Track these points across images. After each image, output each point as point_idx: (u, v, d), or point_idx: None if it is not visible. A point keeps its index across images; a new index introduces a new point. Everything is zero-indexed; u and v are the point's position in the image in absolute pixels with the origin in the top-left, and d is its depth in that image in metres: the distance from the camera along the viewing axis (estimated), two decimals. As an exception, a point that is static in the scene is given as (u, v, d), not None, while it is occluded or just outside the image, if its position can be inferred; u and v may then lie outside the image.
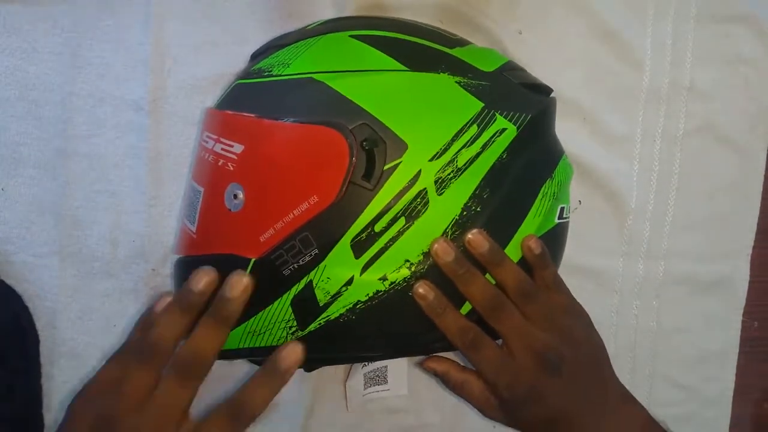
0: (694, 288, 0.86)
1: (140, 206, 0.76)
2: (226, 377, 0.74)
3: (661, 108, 0.84)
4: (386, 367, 0.80)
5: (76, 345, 0.76)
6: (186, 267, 0.69)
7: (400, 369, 0.81)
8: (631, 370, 0.86)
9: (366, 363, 0.79)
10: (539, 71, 0.73)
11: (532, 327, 0.66)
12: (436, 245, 0.61)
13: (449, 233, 0.61)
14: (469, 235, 0.62)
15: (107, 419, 0.57)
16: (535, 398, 0.65)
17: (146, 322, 0.59)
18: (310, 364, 0.72)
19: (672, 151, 0.84)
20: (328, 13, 0.75)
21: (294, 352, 0.59)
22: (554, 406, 0.66)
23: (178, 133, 0.76)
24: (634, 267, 0.85)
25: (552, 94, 0.72)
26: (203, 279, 0.58)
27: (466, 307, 0.65)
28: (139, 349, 0.57)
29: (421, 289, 0.62)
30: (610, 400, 0.69)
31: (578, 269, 0.83)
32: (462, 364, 0.72)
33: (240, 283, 0.57)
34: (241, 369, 0.76)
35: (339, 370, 0.80)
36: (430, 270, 0.61)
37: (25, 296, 0.75)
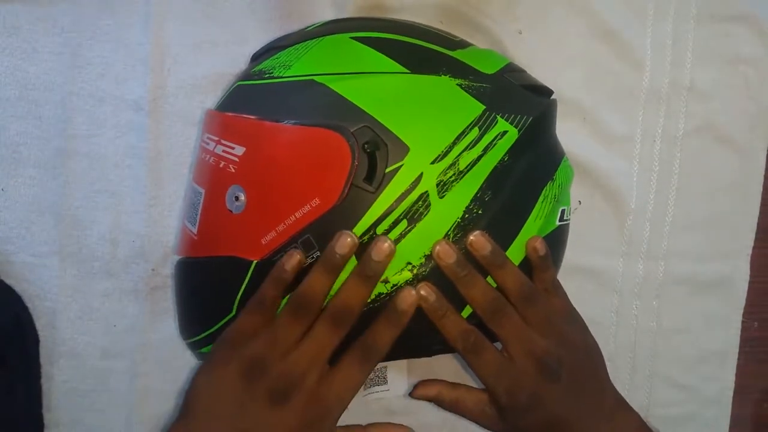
0: (694, 288, 0.86)
1: (140, 206, 0.76)
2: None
3: (661, 108, 0.84)
4: (386, 367, 0.80)
5: (76, 345, 0.76)
6: (187, 268, 0.69)
7: (399, 369, 0.81)
8: (631, 370, 0.86)
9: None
10: (539, 71, 0.73)
11: (533, 332, 0.66)
12: (437, 247, 0.61)
13: (451, 236, 0.61)
14: (471, 237, 0.62)
15: (259, 361, 0.61)
16: (535, 404, 0.65)
17: (278, 279, 0.61)
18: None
19: (672, 151, 0.84)
20: (328, 13, 0.75)
21: (410, 295, 0.61)
22: (554, 412, 0.66)
23: (178, 133, 0.76)
24: (634, 267, 0.85)
25: (552, 96, 0.72)
26: (347, 243, 0.59)
27: (467, 311, 0.65)
28: (287, 304, 0.61)
29: (423, 291, 0.61)
30: (607, 406, 0.69)
31: (578, 269, 0.83)
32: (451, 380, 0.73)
33: (384, 247, 0.59)
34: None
35: (339, 369, 0.80)
36: (432, 272, 0.61)
37: (25, 296, 0.75)
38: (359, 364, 0.62)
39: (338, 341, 0.61)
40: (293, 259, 0.60)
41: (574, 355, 0.67)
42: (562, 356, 0.66)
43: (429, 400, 0.73)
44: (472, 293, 0.64)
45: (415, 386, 0.73)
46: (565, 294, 0.71)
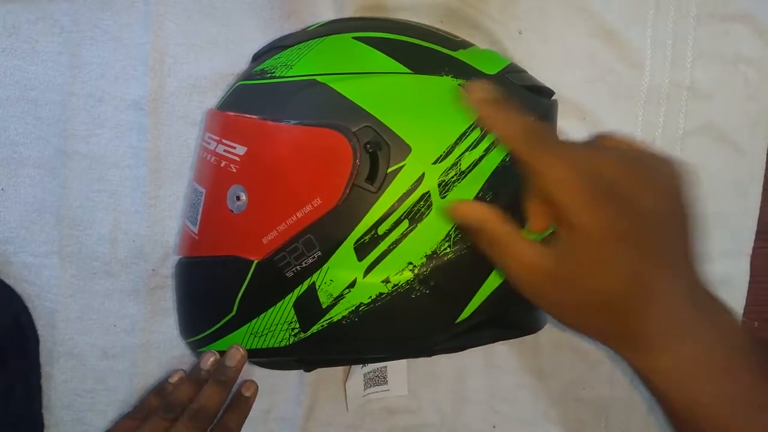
0: (694, 288, 0.85)
1: (140, 206, 0.75)
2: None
3: (661, 108, 0.84)
4: (386, 367, 0.80)
5: (75, 345, 0.76)
6: (188, 268, 0.69)
7: (399, 369, 0.81)
8: (632, 370, 0.85)
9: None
10: (539, 71, 0.73)
11: (596, 149, 0.55)
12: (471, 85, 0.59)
13: (452, 236, 0.61)
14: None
15: None
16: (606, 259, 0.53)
17: (161, 390, 0.73)
18: (312, 365, 0.72)
19: (672, 151, 0.84)
20: (328, 13, 0.75)
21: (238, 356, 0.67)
22: (624, 275, 0.53)
23: (178, 133, 0.75)
24: (634, 267, 0.84)
25: (553, 97, 0.72)
26: (210, 360, 0.69)
27: (478, 299, 0.64)
28: (159, 407, 0.69)
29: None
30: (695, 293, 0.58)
31: (578, 269, 0.83)
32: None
33: (237, 354, 0.66)
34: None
35: (338, 370, 0.81)
36: (433, 272, 0.61)
37: (25, 296, 0.75)
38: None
39: None
40: (176, 375, 0.73)
41: (662, 203, 0.55)
42: (632, 189, 0.53)
43: (470, 227, 0.59)
44: (500, 126, 0.57)
45: (457, 204, 0.59)
46: None
